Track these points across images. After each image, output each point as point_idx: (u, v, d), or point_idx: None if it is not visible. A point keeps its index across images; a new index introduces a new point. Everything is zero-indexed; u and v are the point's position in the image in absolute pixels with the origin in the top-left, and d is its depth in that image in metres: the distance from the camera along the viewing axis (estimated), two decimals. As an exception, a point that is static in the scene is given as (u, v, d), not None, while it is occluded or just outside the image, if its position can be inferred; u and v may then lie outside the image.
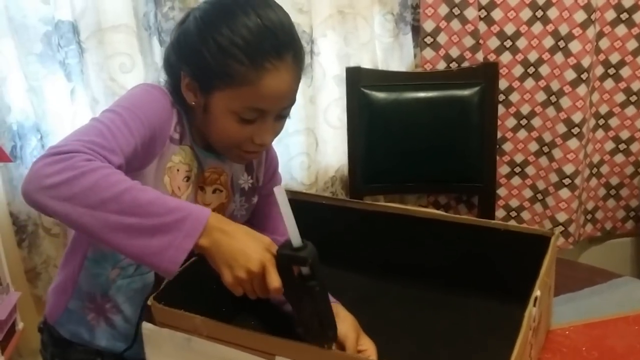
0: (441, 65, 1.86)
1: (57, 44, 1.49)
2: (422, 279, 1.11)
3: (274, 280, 0.75)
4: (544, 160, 2.00)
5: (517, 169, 2.05)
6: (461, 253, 1.08)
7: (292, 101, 0.93)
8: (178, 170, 0.94)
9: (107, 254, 0.97)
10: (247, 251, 0.75)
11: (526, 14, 1.84)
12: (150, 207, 0.74)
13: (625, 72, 1.94)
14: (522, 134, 1.99)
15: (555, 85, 1.89)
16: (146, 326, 0.87)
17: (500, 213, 2.09)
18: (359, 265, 1.16)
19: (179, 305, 0.84)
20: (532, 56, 1.89)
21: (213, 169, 1.00)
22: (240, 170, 1.06)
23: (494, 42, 1.88)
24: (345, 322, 0.93)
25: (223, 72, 0.87)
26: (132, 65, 1.54)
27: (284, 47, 0.87)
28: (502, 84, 1.91)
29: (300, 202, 1.17)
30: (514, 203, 2.09)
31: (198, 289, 0.93)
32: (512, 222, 2.10)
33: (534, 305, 0.83)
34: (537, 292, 0.84)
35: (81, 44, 1.50)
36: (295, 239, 0.76)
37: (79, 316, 1.02)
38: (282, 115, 0.93)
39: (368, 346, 0.93)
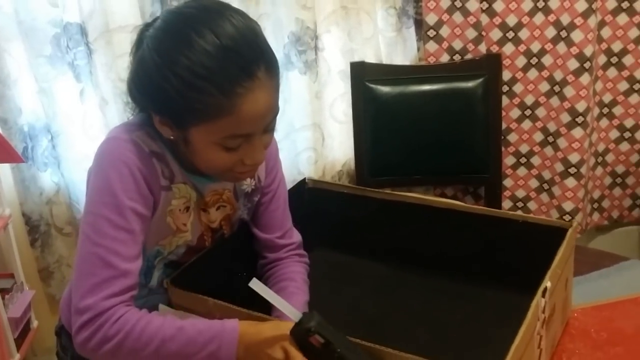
0: (444, 58, 1.88)
1: (66, 46, 1.51)
2: (440, 269, 1.11)
3: (297, 356, 0.80)
4: (549, 150, 2.02)
5: (523, 160, 2.06)
6: (479, 243, 1.09)
7: (276, 113, 0.87)
8: (180, 209, 0.94)
9: None
10: (269, 346, 0.82)
11: (527, 4, 1.86)
12: (185, 351, 0.83)
13: (627, 60, 1.95)
14: (526, 124, 2.01)
15: (558, 75, 1.91)
16: (162, 307, 0.89)
17: (506, 204, 2.10)
18: (378, 254, 1.17)
19: (194, 289, 0.86)
20: (535, 47, 1.90)
21: (213, 192, 0.99)
22: None
23: (496, 34, 1.89)
24: None
25: (193, 109, 0.80)
26: (139, 65, 1.56)
27: (253, 64, 0.80)
28: (506, 75, 1.92)
29: (321, 191, 1.20)
30: (521, 193, 2.10)
31: (214, 275, 0.95)
32: (519, 213, 2.10)
33: (543, 296, 0.83)
34: (547, 283, 0.84)
35: (89, 45, 1.52)
36: (293, 315, 0.81)
37: None
38: (268, 130, 0.88)
39: None
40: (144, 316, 0.84)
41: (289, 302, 0.96)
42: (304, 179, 1.21)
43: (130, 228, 0.85)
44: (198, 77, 0.78)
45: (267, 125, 0.87)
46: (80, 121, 1.59)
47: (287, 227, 1.10)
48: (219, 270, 0.98)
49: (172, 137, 0.87)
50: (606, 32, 1.92)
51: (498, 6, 1.86)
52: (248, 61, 0.80)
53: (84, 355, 0.85)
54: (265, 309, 0.86)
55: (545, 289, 0.84)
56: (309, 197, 1.12)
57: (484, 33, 1.86)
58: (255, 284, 0.81)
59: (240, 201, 1.04)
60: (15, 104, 1.50)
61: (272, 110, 0.86)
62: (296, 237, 1.11)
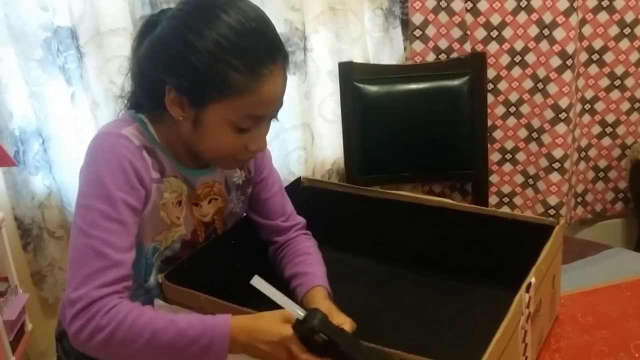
0: (430, 57, 1.91)
1: (57, 50, 1.52)
2: (431, 265, 1.13)
3: (300, 353, 0.79)
4: (533, 146, 2.06)
5: (508, 156, 2.10)
6: (469, 241, 1.11)
7: (282, 104, 0.92)
8: (172, 203, 0.96)
9: None
10: (271, 346, 0.81)
11: (511, 4, 1.90)
12: (176, 344, 0.81)
13: (608, 57, 2.00)
14: (511, 121, 2.05)
15: (541, 73, 1.95)
16: (158, 302, 0.91)
17: (493, 199, 2.13)
18: (372, 252, 1.19)
19: (189, 285, 0.88)
20: (518, 45, 1.94)
21: (205, 184, 1.00)
22: None
23: (480, 33, 1.93)
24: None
25: (219, 83, 0.83)
26: (130, 67, 1.57)
27: (276, 50, 0.86)
28: (490, 73, 1.96)
29: (315, 190, 1.22)
30: (506, 189, 2.14)
31: (209, 272, 0.97)
32: (505, 208, 2.15)
33: (527, 291, 0.84)
34: (531, 279, 0.86)
35: (80, 49, 1.53)
36: (297, 312, 0.80)
37: None
38: (271, 118, 0.93)
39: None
40: (136, 308, 0.84)
41: (311, 272, 0.99)
42: (299, 177, 1.24)
43: (122, 219, 0.86)
44: (226, 51, 0.82)
45: (276, 113, 0.92)
46: (72, 124, 1.59)
47: (289, 211, 1.12)
48: (214, 266, 1.00)
49: (181, 118, 0.89)
50: (587, 30, 1.97)
51: (482, 6, 1.90)
52: (272, 45, 0.86)
53: (78, 348, 0.84)
54: (260, 305, 0.86)
55: (530, 284, 0.85)
56: (303, 196, 1.14)
57: (468, 32, 1.90)
58: (257, 282, 0.80)
59: (233, 194, 1.06)
60: (7, 108, 1.51)
61: (282, 99, 0.91)
62: (300, 218, 1.14)
